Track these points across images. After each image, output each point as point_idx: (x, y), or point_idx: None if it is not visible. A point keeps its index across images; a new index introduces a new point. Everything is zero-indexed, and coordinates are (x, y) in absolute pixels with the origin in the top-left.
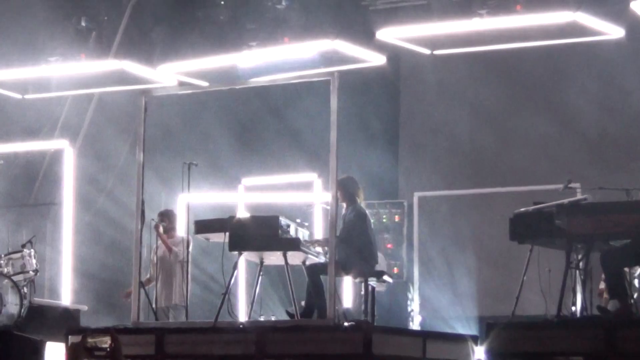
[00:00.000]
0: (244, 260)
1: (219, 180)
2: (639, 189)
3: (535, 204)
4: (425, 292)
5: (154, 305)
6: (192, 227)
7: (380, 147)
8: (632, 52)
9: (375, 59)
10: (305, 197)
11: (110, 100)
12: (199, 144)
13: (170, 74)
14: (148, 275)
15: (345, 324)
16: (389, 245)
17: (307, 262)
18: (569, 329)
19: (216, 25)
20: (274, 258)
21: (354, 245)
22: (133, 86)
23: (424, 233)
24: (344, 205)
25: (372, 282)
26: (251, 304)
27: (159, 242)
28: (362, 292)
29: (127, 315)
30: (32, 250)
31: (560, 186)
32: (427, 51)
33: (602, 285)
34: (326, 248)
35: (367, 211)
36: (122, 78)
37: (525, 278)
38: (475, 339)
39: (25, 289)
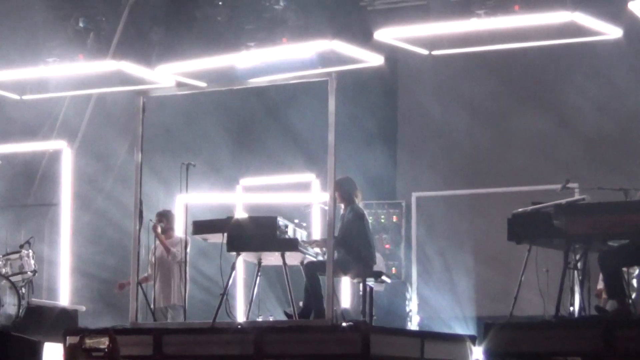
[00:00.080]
0: (242, 260)
1: (217, 181)
2: (637, 189)
3: (533, 204)
4: (423, 292)
5: (152, 306)
6: (190, 227)
7: (378, 147)
8: (630, 52)
9: (373, 60)
10: (303, 197)
11: (108, 100)
12: (197, 145)
13: (168, 75)
14: (146, 274)
15: (344, 324)
16: (387, 246)
17: (305, 262)
18: (567, 329)
19: (214, 26)
20: (272, 258)
21: (352, 246)
22: (131, 87)
23: (422, 233)
24: (342, 205)
25: (370, 282)
26: (249, 304)
27: (157, 242)
28: (360, 293)
29: (125, 316)
30: (30, 250)
31: (559, 186)
32: (425, 51)
33: (600, 286)
34: (324, 249)
35: (365, 211)
36: (120, 79)
37: (523, 278)
38: (473, 339)
39: (23, 290)
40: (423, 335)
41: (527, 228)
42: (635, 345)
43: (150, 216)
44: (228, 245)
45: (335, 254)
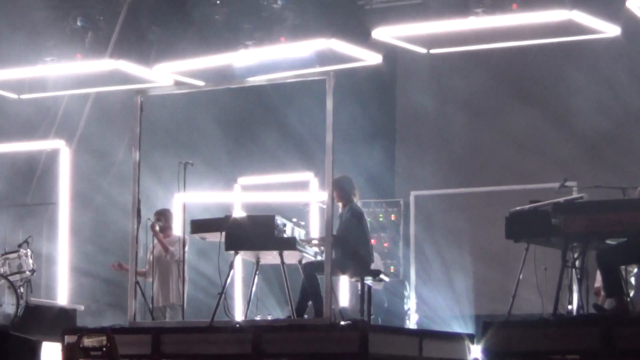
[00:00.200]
0: (240, 259)
1: (215, 180)
2: (635, 188)
3: (531, 202)
4: (421, 291)
5: (150, 305)
6: (188, 226)
7: (376, 146)
8: (628, 50)
9: (371, 58)
10: (301, 196)
11: (106, 100)
12: (195, 144)
13: (166, 74)
14: (144, 269)
15: (342, 323)
16: (385, 244)
17: (303, 261)
18: (566, 328)
19: (212, 25)
20: (270, 257)
21: (350, 245)
22: (129, 86)
23: (420, 232)
24: (340, 204)
25: (369, 281)
26: (247, 303)
27: (155, 241)
28: (359, 291)
29: (123, 315)
30: (28, 250)
31: (557, 185)
32: (423, 50)
33: (598, 284)
34: (322, 247)
35: (364, 210)
36: (118, 78)
37: (521, 277)
38: (471, 338)
39: (21, 289)
40: (421, 334)
41: (525, 226)
42: (633, 343)
43: (148, 215)
44: (226, 244)
45: (334, 253)
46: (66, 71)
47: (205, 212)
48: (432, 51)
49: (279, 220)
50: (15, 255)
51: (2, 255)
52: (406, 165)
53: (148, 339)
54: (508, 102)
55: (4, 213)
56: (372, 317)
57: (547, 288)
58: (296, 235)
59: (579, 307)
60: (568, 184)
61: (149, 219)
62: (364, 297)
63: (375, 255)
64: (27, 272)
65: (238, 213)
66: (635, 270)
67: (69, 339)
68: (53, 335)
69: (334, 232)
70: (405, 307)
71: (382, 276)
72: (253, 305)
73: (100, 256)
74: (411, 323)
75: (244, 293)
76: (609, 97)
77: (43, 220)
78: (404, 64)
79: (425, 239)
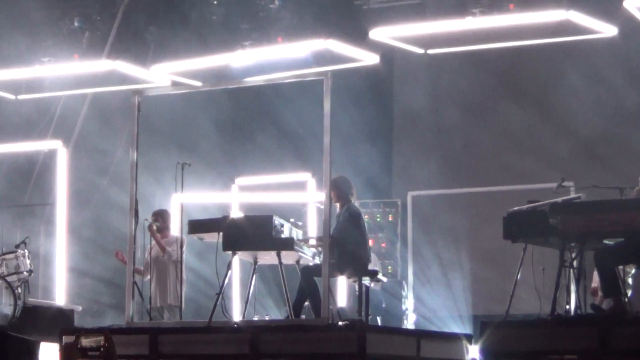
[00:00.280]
0: (238, 260)
1: (213, 180)
2: (632, 188)
3: (529, 202)
4: (419, 291)
5: (148, 306)
6: (186, 227)
7: (373, 146)
8: (625, 50)
9: (369, 59)
10: (299, 196)
11: (103, 100)
12: (193, 144)
13: (164, 74)
14: (141, 267)
15: (340, 323)
16: (383, 245)
17: (301, 263)
18: (563, 328)
19: (209, 25)
20: (267, 258)
21: (347, 245)
22: (126, 86)
23: (417, 232)
24: (338, 205)
25: (366, 281)
26: (245, 303)
27: (153, 242)
28: (356, 292)
29: (121, 316)
30: (26, 250)
31: (554, 185)
32: (420, 50)
33: (596, 284)
34: (320, 248)
35: (361, 210)
36: (116, 78)
37: (519, 277)
38: (469, 338)
39: (19, 290)
40: (419, 334)
41: (522, 227)
42: (630, 343)
43: (146, 215)
44: (224, 244)
45: (331, 254)
46: (63, 71)
47: (202, 213)
48: (430, 51)
49: (277, 220)
50: (12, 255)
51: (0, 255)
52: (403, 166)
53: (146, 339)
54: (505, 102)
55: (1, 213)
56: (370, 317)
57: (545, 288)
58: (294, 235)
59: (577, 307)
60: (565, 184)
61: (146, 219)
62: (361, 297)
63: (373, 256)
64: (25, 273)
65: (236, 213)
66: (634, 270)
67: (67, 339)
68: (51, 335)
69: (332, 233)
70: (403, 308)
71: (379, 276)
72: (251, 306)
73: (97, 257)
74: (409, 323)
75: (241, 293)
76: (606, 96)
77: (40, 221)
78: (401, 64)
79: (423, 239)
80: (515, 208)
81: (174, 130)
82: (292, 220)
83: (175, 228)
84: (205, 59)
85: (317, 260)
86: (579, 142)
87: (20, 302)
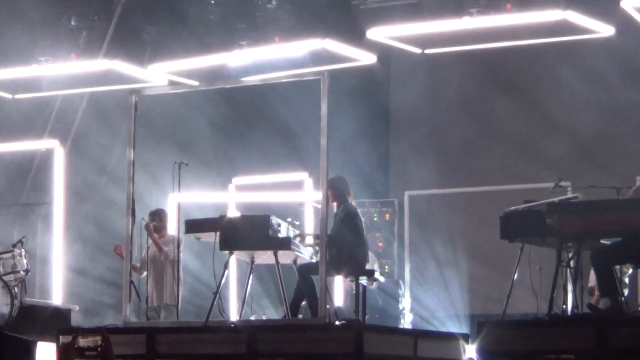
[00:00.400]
0: (235, 259)
1: (210, 180)
2: (629, 187)
3: (525, 202)
4: (416, 290)
5: (145, 305)
6: (183, 226)
7: (370, 146)
8: (622, 50)
9: (366, 58)
10: (296, 196)
11: (100, 99)
12: (190, 144)
13: (161, 74)
14: (137, 264)
15: (337, 323)
16: (380, 244)
17: (298, 262)
18: (560, 327)
19: (206, 25)
20: (264, 257)
21: (344, 245)
22: (124, 85)
23: (414, 232)
24: (335, 204)
25: (363, 281)
26: (242, 303)
27: (150, 241)
28: (353, 291)
29: (118, 315)
30: (23, 249)
31: (551, 185)
32: (418, 50)
33: (593, 284)
34: (317, 247)
35: (358, 210)
36: (113, 77)
37: (516, 276)
38: (466, 338)
39: (16, 289)
40: (416, 334)
41: (519, 226)
42: (627, 342)
43: (143, 215)
44: (221, 244)
45: (328, 253)
46: (61, 71)
47: (199, 212)
48: (427, 51)
49: (274, 220)
50: (9, 255)
51: None
52: (400, 165)
53: (143, 339)
54: (502, 102)
55: None
56: (367, 317)
57: (542, 288)
58: (291, 235)
59: (574, 306)
60: (562, 183)
61: (143, 218)
62: (358, 297)
63: (371, 255)
64: (22, 272)
65: (233, 213)
66: (631, 270)
67: (64, 339)
68: (48, 335)
69: (329, 232)
70: (400, 307)
71: (376, 276)
72: (248, 306)
73: (95, 256)
74: (406, 323)
75: (238, 293)
76: (603, 96)
77: (37, 220)
78: (398, 64)
79: (420, 239)
80: (512, 208)
81: (171, 129)
82: (289, 219)
83: (172, 227)
84: (202, 59)
85: (314, 260)
86: (576, 142)
87: (17, 302)
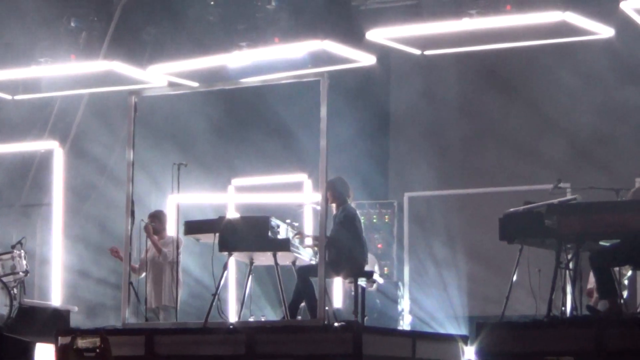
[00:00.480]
0: (234, 260)
1: (209, 181)
2: (628, 189)
3: (525, 204)
4: (415, 292)
5: (143, 306)
6: (182, 227)
7: (370, 147)
8: (621, 51)
9: (365, 59)
10: (295, 197)
11: (100, 100)
12: (189, 145)
13: (160, 75)
14: (136, 265)
15: (336, 324)
16: (379, 246)
17: (297, 263)
18: (559, 329)
19: (206, 26)
20: (263, 258)
21: (343, 246)
22: (123, 87)
23: (414, 233)
24: (334, 205)
25: (362, 282)
26: (241, 304)
27: (149, 243)
28: (352, 293)
29: (117, 316)
30: (22, 251)
31: (550, 186)
32: (417, 51)
33: (592, 285)
34: (316, 248)
35: (357, 211)
36: (112, 78)
37: (515, 278)
38: (465, 339)
39: (15, 290)
40: (415, 335)
41: (518, 228)
42: (626, 344)
43: (142, 216)
44: (220, 245)
45: (327, 255)
46: (60, 72)
47: (199, 213)
48: (427, 52)
49: (273, 221)
50: (8, 256)
51: None
52: (400, 167)
53: (141, 340)
54: (501, 104)
55: None
56: (366, 318)
57: (541, 289)
58: (290, 236)
59: (573, 308)
60: (562, 185)
61: (142, 220)
62: (357, 298)
63: (370, 257)
64: (21, 273)
65: (232, 214)
66: (630, 272)
67: (63, 340)
68: (46, 336)
69: (328, 234)
70: (399, 309)
71: (375, 277)
72: (246, 307)
73: (93, 257)
74: (405, 324)
75: (237, 294)
76: (602, 97)
77: (37, 221)
78: (397, 66)
79: (419, 241)
80: (512, 209)
81: (170, 130)
82: (288, 221)
83: (171, 229)
84: (201, 60)
85: (314, 262)
86: (575, 144)
87: (16, 303)
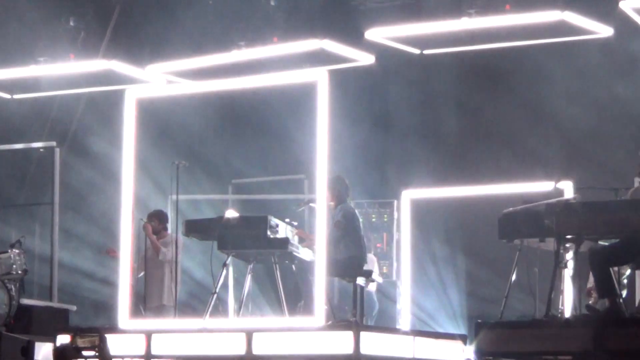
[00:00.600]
0: (233, 259)
1: (209, 181)
2: (628, 189)
3: (524, 203)
4: (414, 291)
5: (142, 305)
6: (182, 227)
7: (369, 146)
8: (621, 51)
9: (364, 59)
10: (294, 197)
11: (99, 100)
12: (189, 145)
13: (159, 74)
14: (135, 264)
15: (335, 323)
16: (378, 245)
17: (296, 262)
18: (558, 329)
19: (205, 25)
20: (263, 258)
21: (342, 245)
22: (122, 86)
23: (412, 233)
24: (333, 204)
25: (361, 281)
26: (240, 303)
27: (149, 242)
28: (352, 292)
29: (115, 315)
30: (21, 250)
31: (549, 185)
32: (416, 51)
33: (591, 285)
34: (315, 247)
35: (356, 210)
36: (111, 78)
37: (514, 277)
38: (464, 339)
39: (13, 289)
40: (414, 335)
41: (517, 227)
42: (626, 344)
43: (141, 216)
44: (219, 244)
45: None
46: (59, 71)
47: (198, 213)
48: (426, 52)
49: (272, 220)
50: (7, 255)
51: None
52: (398, 166)
53: (141, 339)
54: (501, 103)
55: None
56: (365, 317)
57: (540, 289)
58: (289, 235)
59: (572, 308)
60: (561, 184)
61: (141, 219)
62: (356, 297)
63: (370, 256)
64: (20, 272)
65: (231, 214)
66: (629, 271)
67: (62, 339)
68: (45, 335)
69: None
70: (398, 308)
71: (374, 277)
72: (245, 306)
73: (92, 256)
74: (403, 324)
75: (236, 293)
76: (601, 97)
77: (35, 220)
78: (396, 65)
79: (418, 240)
80: (510, 208)
81: (169, 130)
82: (287, 220)
83: (171, 228)
84: (200, 59)
85: (313, 261)
86: (575, 143)
87: (15, 302)
